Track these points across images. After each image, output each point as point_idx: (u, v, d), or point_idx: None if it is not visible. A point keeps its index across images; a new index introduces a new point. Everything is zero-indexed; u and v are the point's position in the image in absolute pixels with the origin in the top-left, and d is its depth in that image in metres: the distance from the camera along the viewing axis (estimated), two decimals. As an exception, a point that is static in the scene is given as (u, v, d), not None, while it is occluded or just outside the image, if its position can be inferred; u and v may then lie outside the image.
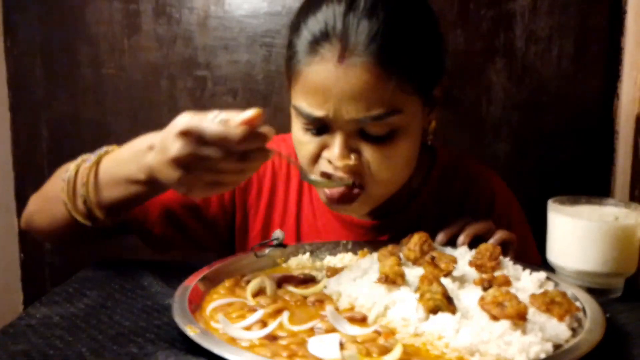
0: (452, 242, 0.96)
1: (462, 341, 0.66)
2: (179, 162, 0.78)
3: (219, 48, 1.54)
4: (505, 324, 0.67)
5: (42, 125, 1.60)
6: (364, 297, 0.77)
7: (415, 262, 0.85)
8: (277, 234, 0.99)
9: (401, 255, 0.86)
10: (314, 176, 0.95)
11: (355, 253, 0.97)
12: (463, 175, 1.15)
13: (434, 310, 0.70)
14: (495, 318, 0.68)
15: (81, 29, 1.56)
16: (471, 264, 0.84)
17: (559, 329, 0.69)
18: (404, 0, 0.93)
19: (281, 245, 0.98)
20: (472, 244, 0.93)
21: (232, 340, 0.68)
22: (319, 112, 0.90)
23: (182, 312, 0.71)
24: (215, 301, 0.79)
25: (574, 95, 1.53)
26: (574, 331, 0.70)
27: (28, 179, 1.63)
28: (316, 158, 0.95)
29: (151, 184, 0.86)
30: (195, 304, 0.77)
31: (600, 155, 1.54)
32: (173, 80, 1.56)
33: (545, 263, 0.93)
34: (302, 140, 0.96)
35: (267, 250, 0.96)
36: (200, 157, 0.77)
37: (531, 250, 1.14)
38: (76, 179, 0.91)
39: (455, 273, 0.82)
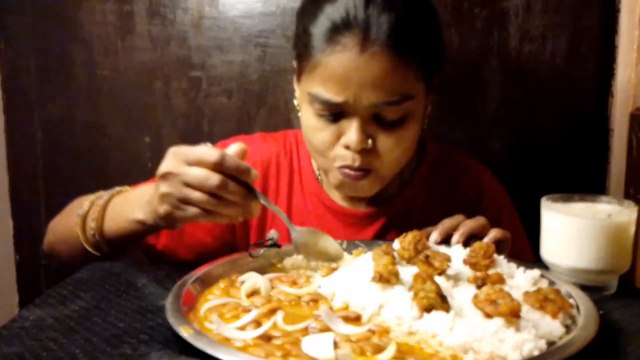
0: (446, 241, 0.96)
1: (456, 339, 0.66)
2: (163, 200, 0.86)
3: (214, 48, 1.54)
4: (498, 321, 0.67)
5: (37, 127, 1.60)
6: (358, 296, 0.77)
7: (410, 261, 0.85)
8: (272, 234, 0.99)
9: (395, 254, 0.86)
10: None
11: (350, 252, 0.97)
12: (452, 166, 1.20)
13: (428, 309, 0.70)
14: (488, 316, 0.68)
15: (75, 30, 1.55)
16: (465, 262, 0.85)
17: (553, 326, 0.69)
18: None
19: (276, 245, 0.98)
20: (467, 242, 0.94)
21: (226, 341, 0.67)
22: (338, 98, 0.95)
23: (176, 313, 0.71)
24: (210, 302, 0.79)
25: (568, 94, 1.53)
26: (568, 328, 0.70)
27: (22, 181, 1.63)
28: (331, 144, 1.00)
29: (148, 223, 0.93)
30: (189, 305, 0.77)
31: (595, 153, 1.55)
32: (167, 80, 1.56)
33: (538, 259, 0.93)
34: (317, 127, 1.00)
35: (261, 251, 0.96)
36: (182, 197, 0.84)
37: (521, 243, 1.16)
38: (88, 214, 1.01)
39: (449, 271, 0.82)
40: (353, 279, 0.81)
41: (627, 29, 1.47)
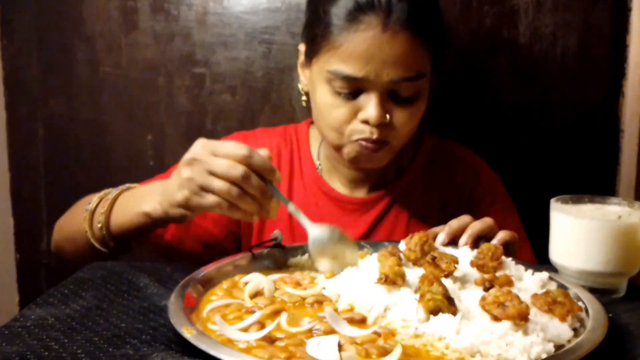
0: (453, 242, 0.95)
1: (463, 342, 0.65)
2: (184, 185, 0.89)
3: (218, 45, 1.53)
4: (506, 324, 0.66)
5: (38, 124, 1.59)
6: (363, 298, 0.76)
7: (416, 262, 0.84)
8: (276, 234, 0.98)
9: (401, 255, 0.85)
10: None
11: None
12: (448, 156, 1.26)
13: (435, 311, 0.70)
14: (496, 318, 0.68)
15: (77, 26, 1.54)
16: (472, 264, 0.84)
17: (561, 329, 0.68)
18: None
19: (279, 245, 0.98)
20: (474, 243, 0.93)
21: (229, 342, 0.67)
22: (360, 74, 1.02)
23: (178, 314, 0.71)
24: (213, 302, 0.78)
25: (578, 93, 1.51)
26: (576, 331, 0.70)
27: (24, 178, 1.62)
28: (348, 120, 1.06)
29: (156, 215, 0.96)
30: (192, 306, 0.76)
31: (605, 154, 1.53)
32: (171, 77, 1.55)
33: (546, 261, 0.93)
34: (334, 104, 1.06)
35: (265, 251, 0.96)
36: (203, 184, 0.87)
37: (515, 229, 1.15)
38: (96, 209, 1.04)
39: (456, 273, 0.81)
40: (358, 281, 0.80)
41: (639, 28, 1.46)
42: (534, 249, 1.20)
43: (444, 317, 0.69)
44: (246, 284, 0.83)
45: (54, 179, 1.61)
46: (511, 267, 0.85)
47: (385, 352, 0.64)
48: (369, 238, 1.18)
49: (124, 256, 1.11)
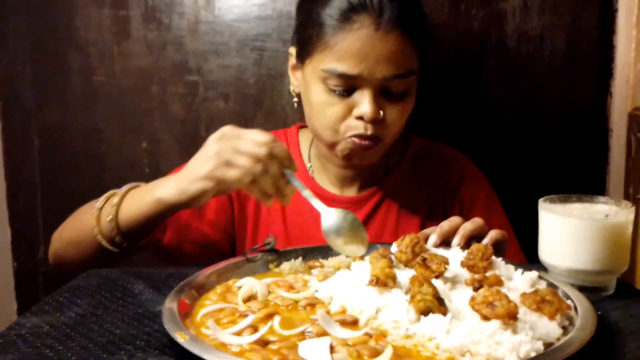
0: (444, 244, 0.96)
1: (453, 342, 0.66)
2: (211, 159, 0.94)
3: (210, 53, 1.54)
4: (495, 323, 0.67)
5: (33, 133, 1.59)
6: (355, 300, 0.76)
7: (407, 264, 0.85)
8: (269, 239, 0.99)
9: (393, 257, 0.86)
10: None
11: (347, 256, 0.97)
12: (434, 155, 1.30)
13: (425, 312, 0.70)
14: (486, 318, 0.68)
15: (71, 36, 1.55)
16: (463, 264, 0.84)
17: (550, 328, 0.69)
18: None
19: (273, 250, 0.99)
20: (465, 244, 0.94)
21: (223, 346, 0.67)
22: (355, 71, 1.06)
23: (172, 319, 0.71)
24: (206, 307, 0.79)
25: (567, 94, 1.53)
26: (565, 329, 0.70)
27: (20, 187, 1.62)
28: (343, 117, 1.10)
29: (169, 200, 0.99)
30: (186, 311, 0.77)
31: (594, 153, 1.54)
32: (164, 85, 1.56)
33: (535, 260, 0.93)
34: (329, 102, 1.09)
35: (259, 255, 0.96)
36: (229, 159, 0.93)
37: (501, 224, 1.19)
38: (105, 205, 1.06)
39: (447, 274, 0.81)
40: (350, 283, 0.81)
41: (625, 29, 1.47)
42: (523, 249, 1.21)
43: (434, 318, 0.69)
44: (240, 288, 0.84)
45: (50, 188, 1.61)
46: (501, 267, 0.85)
47: (377, 353, 0.65)
48: None
49: (120, 263, 1.12)
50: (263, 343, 0.68)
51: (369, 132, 1.09)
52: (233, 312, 0.77)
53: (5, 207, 1.62)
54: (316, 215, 1.19)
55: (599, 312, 0.75)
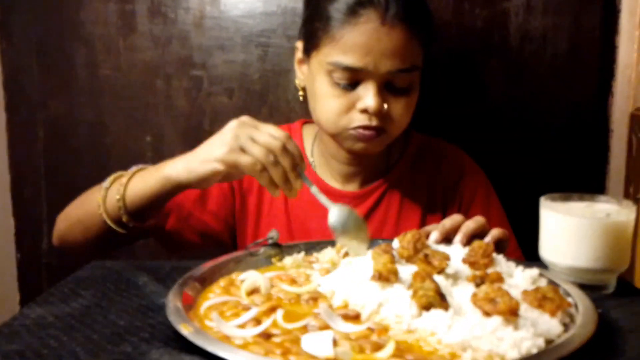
0: (445, 241, 0.97)
1: (455, 337, 0.66)
2: (227, 143, 0.96)
3: (215, 48, 1.54)
4: (497, 319, 0.67)
5: (38, 126, 1.60)
6: (357, 295, 0.77)
7: (409, 259, 0.85)
8: (272, 233, 1.00)
9: (395, 253, 0.86)
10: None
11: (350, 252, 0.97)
12: (435, 151, 1.32)
13: (427, 307, 0.71)
14: (487, 314, 0.68)
15: (76, 29, 1.55)
16: (464, 261, 0.85)
17: (551, 325, 0.69)
18: None
19: (276, 244, 0.99)
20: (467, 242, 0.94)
21: (226, 339, 0.68)
22: (360, 64, 1.07)
23: (176, 311, 0.72)
24: (210, 300, 0.79)
25: (568, 94, 1.53)
26: (566, 326, 0.70)
27: (24, 179, 1.63)
28: (347, 110, 1.11)
29: (176, 178, 1.01)
30: (190, 303, 0.77)
31: (595, 153, 1.55)
32: (169, 80, 1.56)
33: (536, 258, 0.94)
34: (334, 95, 1.11)
35: (261, 250, 0.97)
36: (244, 145, 0.95)
37: (498, 220, 1.22)
38: (113, 185, 1.07)
39: (448, 270, 0.82)
40: (352, 278, 0.81)
41: (628, 30, 1.47)
42: (524, 246, 1.22)
43: (436, 313, 0.70)
44: (243, 281, 0.84)
45: (54, 180, 1.62)
46: (502, 264, 0.86)
47: (379, 347, 0.65)
48: None
49: (123, 250, 1.13)
50: (266, 336, 0.68)
51: (374, 123, 1.11)
52: (236, 305, 0.77)
53: (9, 199, 1.63)
54: (318, 211, 1.20)
55: (600, 310, 0.75)
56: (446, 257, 0.81)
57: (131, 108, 1.58)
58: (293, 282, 0.85)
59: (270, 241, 0.99)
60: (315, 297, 0.79)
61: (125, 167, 1.12)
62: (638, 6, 1.45)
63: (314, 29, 1.12)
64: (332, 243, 0.99)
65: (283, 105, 1.56)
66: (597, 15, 1.49)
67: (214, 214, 1.23)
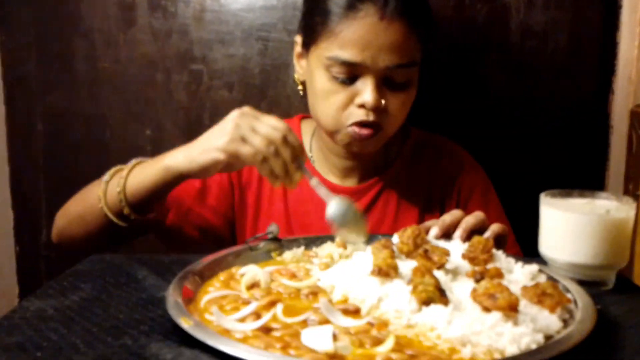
0: (444, 236, 0.97)
1: (454, 332, 0.66)
2: (228, 133, 0.96)
3: (215, 42, 1.54)
4: (496, 315, 0.67)
5: (38, 119, 1.60)
6: (357, 289, 0.77)
7: (409, 255, 0.85)
8: (272, 227, 1.00)
9: (394, 248, 0.86)
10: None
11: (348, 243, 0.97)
12: (433, 147, 1.32)
13: (427, 302, 0.71)
14: (487, 309, 0.69)
15: (76, 22, 1.55)
16: (464, 256, 0.85)
17: (550, 320, 0.69)
18: None
19: (276, 239, 0.99)
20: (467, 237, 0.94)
21: (226, 332, 0.68)
22: (358, 59, 1.07)
23: (176, 305, 0.72)
24: (210, 294, 0.79)
25: (569, 90, 1.53)
26: (565, 322, 0.70)
27: (23, 172, 1.63)
28: (345, 105, 1.11)
29: (177, 168, 1.01)
30: (190, 297, 0.77)
31: (595, 150, 1.55)
32: (168, 74, 1.56)
33: (536, 254, 0.94)
34: (332, 89, 1.11)
35: (261, 244, 0.97)
36: (246, 135, 0.95)
37: (496, 216, 1.21)
38: (113, 178, 1.07)
39: (448, 265, 0.82)
40: (352, 272, 0.81)
41: (629, 26, 1.47)
42: (523, 243, 1.22)
43: (436, 308, 0.70)
44: (243, 275, 0.84)
45: (53, 173, 1.62)
46: (501, 260, 0.86)
47: (379, 342, 0.65)
48: None
49: (124, 245, 1.13)
50: (266, 330, 0.68)
51: (371, 118, 1.10)
52: (236, 299, 0.77)
53: (8, 192, 1.63)
54: (318, 205, 1.21)
55: (599, 306, 0.75)
56: (446, 253, 0.82)
57: (131, 101, 1.57)
58: (293, 276, 0.85)
59: (270, 235, 0.99)
60: (315, 292, 0.79)
61: (124, 161, 1.11)
62: (639, 2, 1.45)
63: (313, 23, 1.12)
64: (332, 238, 0.99)
65: (283, 100, 1.56)
66: (598, 11, 1.49)
67: (213, 209, 1.23)
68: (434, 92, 1.48)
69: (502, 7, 1.49)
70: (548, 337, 0.67)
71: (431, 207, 1.26)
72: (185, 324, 0.67)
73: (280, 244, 0.99)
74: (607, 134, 1.53)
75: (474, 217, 0.98)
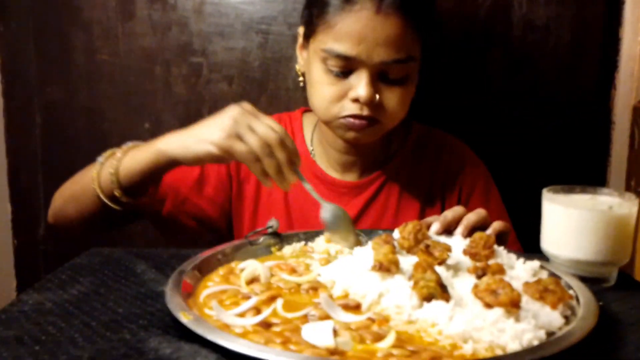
0: (446, 232, 0.96)
1: (456, 328, 0.66)
2: (226, 129, 0.95)
3: (215, 35, 1.53)
4: (498, 311, 0.67)
5: (36, 112, 1.59)
6: (358, 285, 0.77)
7: (410, 250, 0.85)
8: (272, 222, 0.99)
9: (395, 243, 0.86)
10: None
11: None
12: (435, 142, 1.31)
13: (428, 298, 0.70)
14: (488, 306, 0.68)
15: (75, 14, 1.54)
16: (465, 252, 0.85)
17: (552, 317, 0.69)
18: None
19: (275, 233, 0.99)
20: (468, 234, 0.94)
21: (226, 327, 0.67)
22: (352, 52, 1.05)
23: (175, 299, 0.71)
24: (209, 288, 0.79)
25: (571, 85, 1.53)
26: (567, 319, 0.70)
27: (21, 165, 1.62)
28: (339, 98, 1.10)
29: (169, 154, 1.00)
30: (189, 291, 0.77)
31: (597, 146, 1.54)
32: (168, 66, 1.55)
33: (538, 250, 0.94)
34: (327, 82, 1.10)
35: (261, 239, 0.97)
36: (242, 133, 0.94)
37: (497, 211, 1.22)
38: (108, 160, 1.06)
39: (449, 261, 0.81)
40: (353, 268, 0.81)
41: (632, 21, 1.46)
42: (524, 239, 1.21)
43: (437, 304, 0.69)
44: (242, 270, 0.84)
45: (51, 166, 1.61)
46: (503, 256, 0.86)
47: (379, 337, 0.65)
48: (360, 219, 1.23)
49: (122, 242, 1.12)
50: (266, 325, 0.68)
51: (365, 112, 1.09)
52: (236, 294, 0.77)
53: (6, 185, 1.62)
54: (317, 201, 1.21)
55: (601, 303, 0.75)
56: (447, 249, 0.81)
57: (129, 94, 1.57)
58: (293, 271, 0.85)
59: (269, 230, 0.98)
60: (315, 287, 0.79)
61: (123, 154, 1.10)
62: (642, -3, 1.45)
63: (311, 15, 1.12)
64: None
65: (283, 93, 1.55)
66: (600, 7, 1.48)
67: (210, 200, 1.23)
68: (435, 87, 1.48)
69: (504, 2, 1.49)
70: (550, 334, 0.67)
71: (432, 202, 1.26)
72: (185, 318, 0.66)
73: (280, 238, 0.98)
74: (609, 129, 1.53)
75: (476, 215, 0.97)
